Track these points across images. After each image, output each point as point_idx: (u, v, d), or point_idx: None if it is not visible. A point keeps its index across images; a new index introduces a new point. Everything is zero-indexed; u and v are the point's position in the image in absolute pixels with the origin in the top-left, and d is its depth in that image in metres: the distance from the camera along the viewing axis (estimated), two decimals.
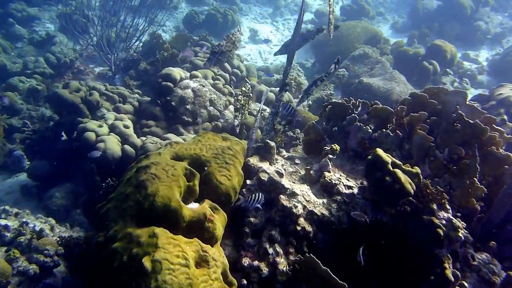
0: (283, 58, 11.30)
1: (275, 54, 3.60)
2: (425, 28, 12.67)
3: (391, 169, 3.19)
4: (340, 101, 3.93)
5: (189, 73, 6.00)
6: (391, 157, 3.27)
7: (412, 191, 3.18)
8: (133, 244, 2.71)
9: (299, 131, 5.62)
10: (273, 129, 3.63)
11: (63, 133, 5.73)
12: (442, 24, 12.84)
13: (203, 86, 5.63)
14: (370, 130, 3.70)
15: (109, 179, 4.54)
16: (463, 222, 3.26)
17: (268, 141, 3.73)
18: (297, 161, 3.92)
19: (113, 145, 4.74)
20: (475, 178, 3.37)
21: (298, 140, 5.32)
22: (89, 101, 5.77)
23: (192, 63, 6.59)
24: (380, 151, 3.22)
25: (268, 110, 6.08)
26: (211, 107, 5.61)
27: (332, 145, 3.68)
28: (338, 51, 9.29)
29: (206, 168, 3.42)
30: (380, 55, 8.71)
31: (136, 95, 6.51)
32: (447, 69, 9.12)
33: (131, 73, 8.14)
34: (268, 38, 12.45)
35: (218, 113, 5.65)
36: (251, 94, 4.23)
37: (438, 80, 8.64)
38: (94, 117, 5.71)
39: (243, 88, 4.13)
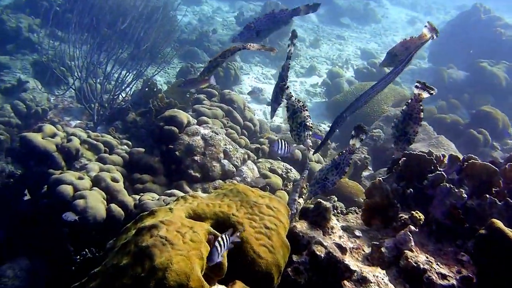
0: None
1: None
2: (453, 99, 12.70)
3: None
4: (418, 153, 3.33)
5: (196, 120, 5.46)
6: None
7: None
8: None
9: (336, 199, 5.00)
10: (324, 185, 2.97)
11: (26, 191, 4.96)
12: (472, 95, 12.90)
13: (217, 134, 5.05)
14: (465, 195, 3.05)
15: (86, 250, 3.73)
16: None
17: (322, 201, 3.06)
18: (357, 233, 3.22)
19: (96, 203, 3.98)
20: None
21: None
22: (67, 149, 5.12)
23: (196, 111, 6.10)
24: (499, 223, 2.57)
25: (293, 171, 5.45)
26: (226, 161, 4.97)
27: (413, 213, 3.02)
28: (363, 113, 8.99)
29: (238, 233, 2.70)
30: None
31: (125, 146, 5.91)
32: (494, 143, 8.78)
33: (116, 124, 7.64)
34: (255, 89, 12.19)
35: (234, 169, 5.00)
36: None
37: (488, 153, 8.23)
38: (72, 169, 5.02)
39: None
